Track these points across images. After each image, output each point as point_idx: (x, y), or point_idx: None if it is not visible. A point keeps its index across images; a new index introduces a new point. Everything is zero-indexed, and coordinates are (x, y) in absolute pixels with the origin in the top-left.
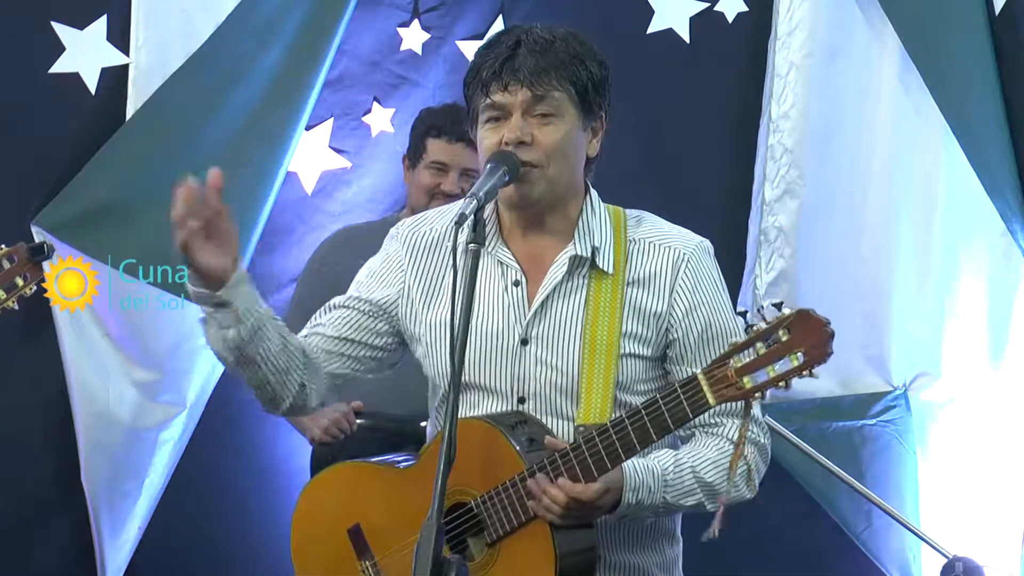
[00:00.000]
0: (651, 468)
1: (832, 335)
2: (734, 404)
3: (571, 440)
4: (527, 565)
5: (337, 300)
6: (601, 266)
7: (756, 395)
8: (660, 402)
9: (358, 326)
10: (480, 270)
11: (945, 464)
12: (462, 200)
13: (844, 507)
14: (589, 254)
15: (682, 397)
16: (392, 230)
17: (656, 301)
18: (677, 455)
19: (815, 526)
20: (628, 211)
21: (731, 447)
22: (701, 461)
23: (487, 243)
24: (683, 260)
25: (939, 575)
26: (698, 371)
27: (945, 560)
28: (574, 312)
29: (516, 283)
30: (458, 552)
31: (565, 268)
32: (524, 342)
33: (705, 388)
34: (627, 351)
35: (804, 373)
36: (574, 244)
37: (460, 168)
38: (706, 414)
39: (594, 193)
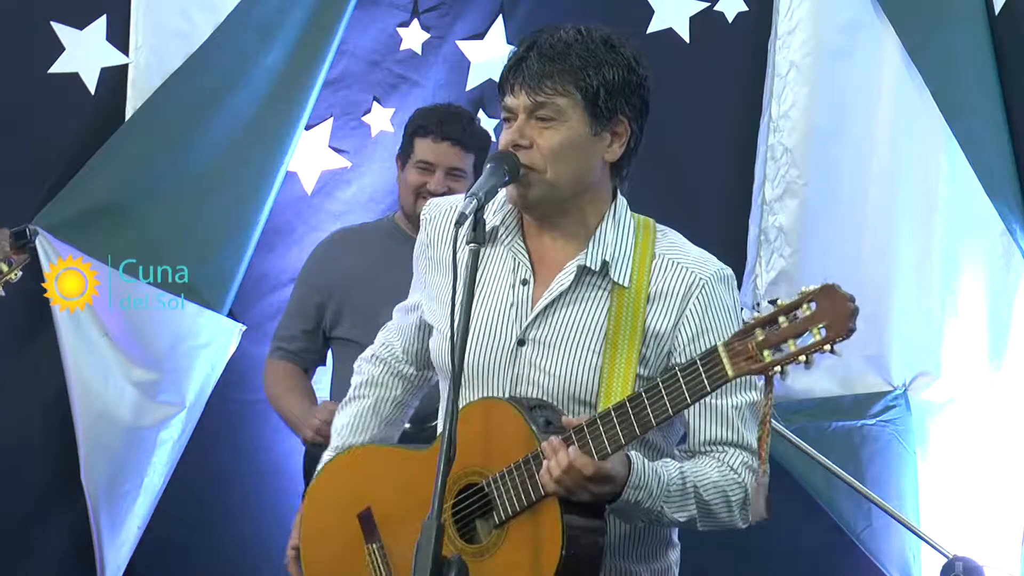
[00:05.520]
0: (659, 473)
1: (856, 311)
2: (740, 413)
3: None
4: (535, 543)
5: (408, 305)
6: (616, 279)
7: (776, 369)
8: (679, 374)
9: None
10: (494, 259)
11: (945, 464)
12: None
13: (844, 507)
14: (598, 267)
15: (701, 369)
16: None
17: (662, 320)
18: (682, 468)
19: (815, 526)
20: (658, 225)
21: (733, 475)
22: (704, 480)
23: (505, 232)
24: (697, 286)
25: (939, 575)
26: (719, 343)
27: (945, 560)
28: (577, 322)
29: (524, 281)
30: (466, 534)
31: (572, 277)
32: (521, 343)
33: (725, 360)
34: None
35: (825, 348)
36: (586, 253)
37: (446, 167)
38: (709, 439)
39: (621, 202)
